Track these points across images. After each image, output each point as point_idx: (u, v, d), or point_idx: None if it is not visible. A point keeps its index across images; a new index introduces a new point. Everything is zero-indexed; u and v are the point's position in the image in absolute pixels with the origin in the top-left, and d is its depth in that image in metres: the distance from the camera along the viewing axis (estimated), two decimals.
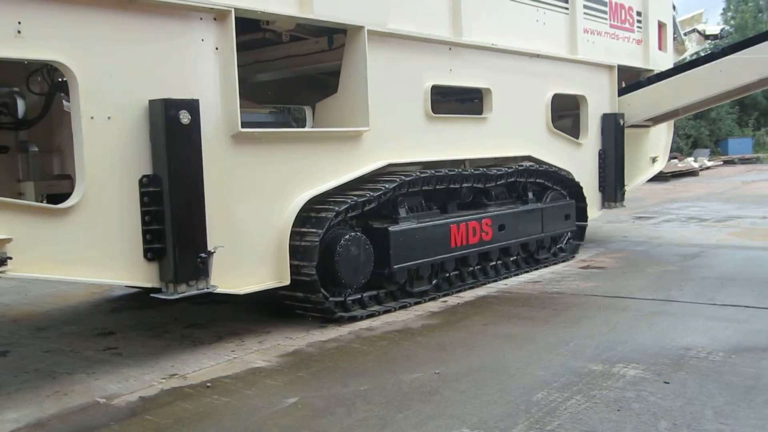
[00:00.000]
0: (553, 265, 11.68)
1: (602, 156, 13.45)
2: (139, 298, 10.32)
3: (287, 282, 7.99)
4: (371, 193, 8.60)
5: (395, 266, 8.92)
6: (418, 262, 9.25)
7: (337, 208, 8.24)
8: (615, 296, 9.57)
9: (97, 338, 8.33)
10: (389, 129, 8.97)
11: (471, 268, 10.26)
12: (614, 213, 18.07)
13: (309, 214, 8.16)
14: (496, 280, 10.51)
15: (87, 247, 6.54)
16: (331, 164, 8.43)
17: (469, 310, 8.99)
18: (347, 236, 8.39)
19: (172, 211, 6.91)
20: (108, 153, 6.60)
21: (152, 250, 6.95)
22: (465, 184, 10.02)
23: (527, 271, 11.19)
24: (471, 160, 10.41)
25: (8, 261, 6.02)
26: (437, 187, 9.54)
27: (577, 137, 12.87)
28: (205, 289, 7.08)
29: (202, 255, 7.06)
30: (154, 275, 7.00)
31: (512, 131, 11.01)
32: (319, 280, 8.16)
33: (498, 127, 10.66)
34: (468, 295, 9.87)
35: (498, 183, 10.52)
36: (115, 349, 7.82)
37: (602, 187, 13.44)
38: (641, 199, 22.59)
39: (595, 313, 8.77)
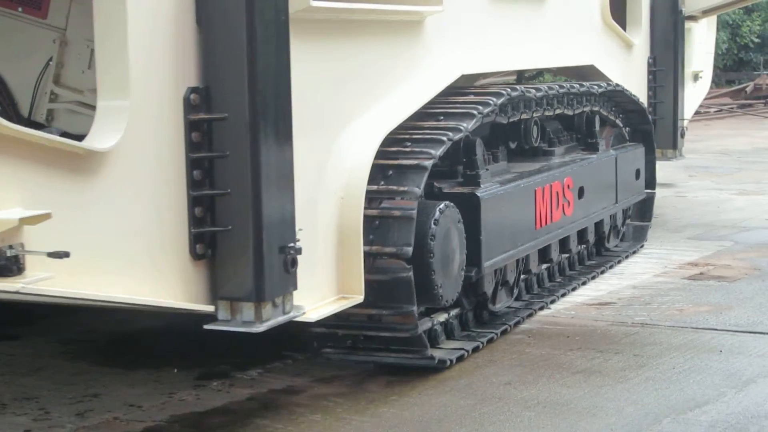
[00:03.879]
0: (619, 262, 10.10)
1: (652, 66, 11.41)
2: None
3: (360, 297, 6.35)
4: (464, 125, 7.18)
5: (486, 263, 7.28)
6: (509, 255, 7.75)
7: (432, 151, 6.71)
8: (751, 331, 7.72)
9: None
10: (456, 11, 7.59)
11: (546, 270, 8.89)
12: (671, 168, 15.66)
13: (378, 160, 6.57)
14: (553, 299, 8.76)
15: (122, 231, 5.16)
16: (384, 71, 6.93)
17: (480, 355, 7.31)
18: (441, 208, 6.74)
19: (254, 160, 5.37)
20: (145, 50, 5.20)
21: (205, 241, 5.40)
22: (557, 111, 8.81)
23: (592, 278, 9.46)
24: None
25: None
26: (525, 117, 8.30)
27: None
28: (294, 315, 5.76)
29: (293, 246, 5.60)
30: (203, 288, 5.50)
31: (569, 22, 9.73)
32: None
33: (557, 14, 9.42)
34: None
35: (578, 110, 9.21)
36: None
37: (652, 122, 11.28)
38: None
39: (711, 361, 7.02)
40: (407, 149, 6.79)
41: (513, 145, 8.44)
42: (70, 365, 7.43)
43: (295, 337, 7.07)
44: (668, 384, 6.55)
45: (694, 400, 6.25)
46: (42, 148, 4.61)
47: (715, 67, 35.36)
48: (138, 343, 8.08)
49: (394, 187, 6.55)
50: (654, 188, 11.04)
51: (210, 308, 5.48)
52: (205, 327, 5.55)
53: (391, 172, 6.62)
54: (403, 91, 7.05)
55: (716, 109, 28.80)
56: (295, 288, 5.67)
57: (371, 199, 6.46)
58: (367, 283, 6.36)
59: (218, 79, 5.36)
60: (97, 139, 4.92)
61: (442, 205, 6.74)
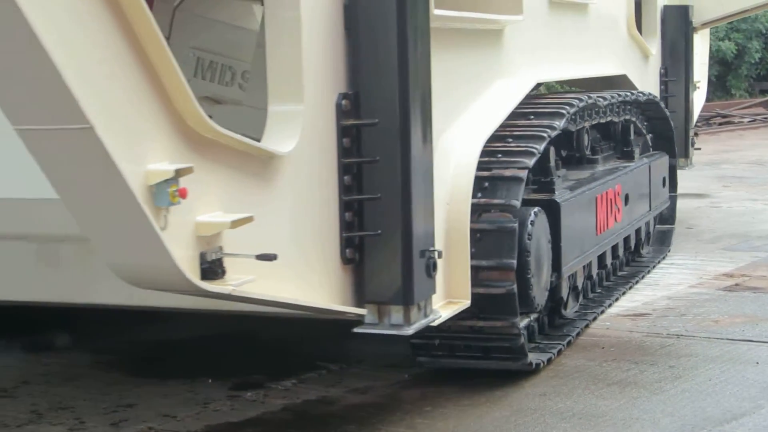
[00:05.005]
0: (649, 272, 10.14)
1: (664, 76, 11.78)
2: None
3: (467, 301, 6.42)
4: (557, 123, 7.44)
5: (565, 268, 7.54)
6: (579, 260, 8.01)
7: (526, 161, 6.90)
8: None
9: None
10: (529, 21, 7.88)
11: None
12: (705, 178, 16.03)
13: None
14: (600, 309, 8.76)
15: (293, 233, 5.32)
16: (470, 78, 7.08)
17: None
18: (532, 214, 6.95)
19: (404, 165, 5.58)
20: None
21: (354, 245, 5.61)
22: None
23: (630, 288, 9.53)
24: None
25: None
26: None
27: None
28: (432, 318, 5.92)
29: (434, 250, 5.81)
30: (349, 292, 5.67)
31: (604, 32, 10.05)
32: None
33: (596, 24, 9.71)
34: None
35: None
36: None
37: None
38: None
39: (748, 373, 7.04)
40: (511, 145, 7.04)
41: (564, 154, 8.62)
42: (104, 375, 7.54)
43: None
44: (704, 396, 6.57)
45: (731, 412, 6.26)
46: (234, 151, 4.79)
47: (748, 76, 35.31)
48: (172, 353, 8.19)
49: (495, 201, 6.68)
50: (675, 192, 11.50)
51: (363, 311, 5.66)
52: (355, 330, 5.74)
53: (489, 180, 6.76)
54: (489, 97, 7.25)
55: (750, 119, 28.65)
56: (434, 292, 5.92)
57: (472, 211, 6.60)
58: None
59: (368, 84, 5.56)
60: (273, 143, 5.12)
61: (536, 209, 7.01)
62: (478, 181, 6.66)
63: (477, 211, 6.58)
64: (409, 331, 5.66)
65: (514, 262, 6.57)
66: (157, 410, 6.73)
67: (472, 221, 6.49)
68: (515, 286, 6.58)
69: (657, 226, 11.22)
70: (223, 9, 5.63)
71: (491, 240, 6.56)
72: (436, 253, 5.81)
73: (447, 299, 6.35)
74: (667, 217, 11.50)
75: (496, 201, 6.66)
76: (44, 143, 4.00)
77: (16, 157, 4.50)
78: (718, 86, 32.93)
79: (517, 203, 6.66)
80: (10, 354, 8.03)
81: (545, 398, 6.64)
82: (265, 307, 5.22)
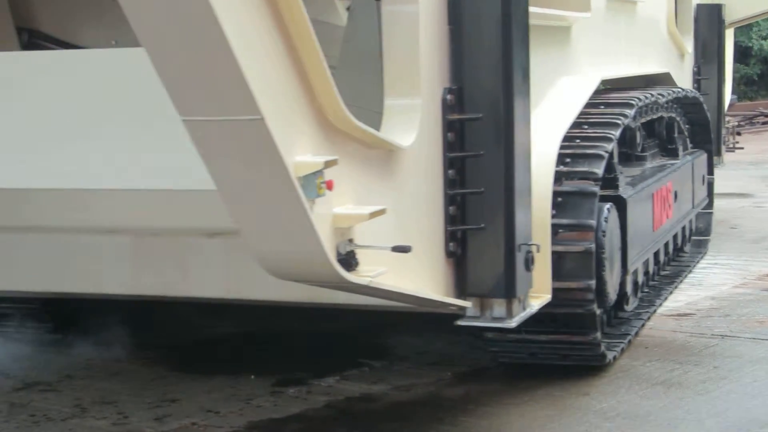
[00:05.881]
0: (690, 270, 10.19)
1: (697, 75, 11.89)
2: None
3: (548, 296, 6.45)
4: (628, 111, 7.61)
5: (630, 263, 7.64)
6: (640, 256, 8.11)
7: (605, 147, 7.01)
8: None
9: None
10: (593, 18, 8.05)
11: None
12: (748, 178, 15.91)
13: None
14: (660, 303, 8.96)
15: (408, 225, 5.41)
16: (540, 73, 7.04)
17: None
18: (606, 210, 7.02)
19: (507, 159, 5.69)
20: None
21: (457, 239, 5.72)
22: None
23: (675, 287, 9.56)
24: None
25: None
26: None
27: None
28: (530, 311, 6.02)
29: (532, 244, 5.92)
30: (450, 285, 5.78)
31: (648, 31, 10.22)
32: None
33: (642, 23, 9.88)
34: None
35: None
36: None
37: None
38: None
39: None
40: (588, 131, 7.16)
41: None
42: (147, 370, 7.65)
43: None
44: (750, 397, 6.60)
45: None
46: (363, 144, 4.93)
47: None
48: (215, 349, 8.29)
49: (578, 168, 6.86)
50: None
51: (467, 303, 5.79)
52: (457, 323, 5.85)
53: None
54: (558, 93, 7.39)
55: None
56: (531, 285, 6.04)
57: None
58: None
59: (472, 79, 5.67)
60: (393, 137, 5.24)
61: (608, 205, 7.11)
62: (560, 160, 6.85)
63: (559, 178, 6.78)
64: (512, 324, 5.79)
65: (594, 222, 6.75)
66: (200, 405, 6.83)
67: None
68: (594, 283, 6.69)
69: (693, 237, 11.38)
70: (307, 5, 5.54)
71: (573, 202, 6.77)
72: (534, 247, 5.96)
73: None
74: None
75: (578, 169, 6.85)
76: (211, 134, 4.15)
77: (158, 148, 4.81)
78: (762, 85, 32.74)
79: (599, 172, 6.84)
80: (53, 348, 8.12)
81: (588, 398, 6.70)
82: (368, 299, 5.35)
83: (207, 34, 3.80)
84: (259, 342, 8.35)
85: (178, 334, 8.60)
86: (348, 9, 7.17)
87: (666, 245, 9.58)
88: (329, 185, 4.41)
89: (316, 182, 4.33)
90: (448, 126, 5.61)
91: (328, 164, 4.38)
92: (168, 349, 8.21)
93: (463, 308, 5.84)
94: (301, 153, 4.35)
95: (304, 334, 8.39)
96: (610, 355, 7.20)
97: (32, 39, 7.45)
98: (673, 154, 10.05)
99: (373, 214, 4.74)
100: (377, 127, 5.26)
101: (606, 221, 6.99)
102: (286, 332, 8.46)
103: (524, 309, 5.96)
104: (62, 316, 8.25)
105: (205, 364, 7.71)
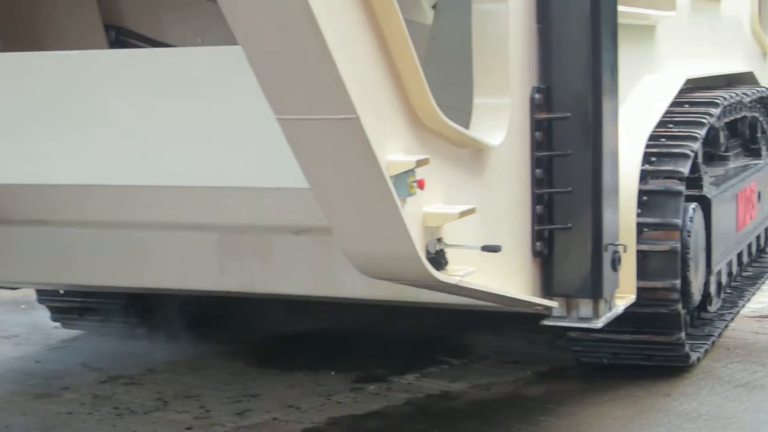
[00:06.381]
0: None
1: None
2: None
3: (632, 296, 6.39)
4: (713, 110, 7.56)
5: (714, 264, 7.61)
6: (724, 256, 8.06)
7: (691, 146, 6.98)
8: None
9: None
10: (677, 17, 8.01)
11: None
12: None
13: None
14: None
15: (497, 225, 5.44)
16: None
17: None
18: (691, 210, 7.00)
19: (595, 159, 5.70)
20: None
21: (544, 238, 5.74)
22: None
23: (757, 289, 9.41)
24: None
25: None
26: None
27: None
28: (616, 311, 6.03)
29: (618, 244, 5.92)
30: (537, 285, 5.83)
31: (732, 29, 10.18)
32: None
33: (726, 22, 9.80)
34: None
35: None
36: None
37: None
38: None
39: None
40: (673, 131, 7.10)
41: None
42: (229, 365, 7.72)
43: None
44: None
45: None
46: (452, 142, 4.95)
47: None
48: (295, 344, 8.34)
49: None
50: None
51: (553, 303, 5.80)
52: (543, 323, 5.89)
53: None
54: (642, 92, 7.30)
55: None
56: (618, 286, 6.02)
57: None
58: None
59: (560, 78, 5.68)
60: (482, 135, 5.25)
61: (693, 205, 7.06)
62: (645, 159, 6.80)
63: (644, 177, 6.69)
64: (598, 324, 5.79)
65: (680, 221, 6.69)
66: (281, 401, 6.87)
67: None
68: (679, 282, 6.62)
69: None
70: None
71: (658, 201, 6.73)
72: (621, 247, 5.95)
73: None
74: None
75: (664, 168, 6.77)
76: (305, 132, 4.18)
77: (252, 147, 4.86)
78: None
79: (685, 171, 6.77)
80: (136, 342, 8.22)
81: (670, 399, 6.64)
82: (451, 298, 5.36)
83: (305, 33, 3.83)
84: (338, 339, 8.38)
85: (259, 330, 8.63)
86: (434, 7, 7.19)
87: (749, 246, 9.47)
88: (420, 184, 4.43)
89: (407, 181, 4.35)
90: (536, 125, 5.61)
91: (420, 163, 4.41)
92: (249, 345, 8.26)
93: (549, 308, 5.84)
94: (394, 152, 4.37)
95: (384, 332, 8.43)
96: (694, 356, 7.15)
97: (119, 36, 7.53)
98: (755, 154, 9.91)
99: (463, 213, 4.76)
100: (463, 126, 5.23)
101: (691, 221, 6.95)
102: (365, 329, 8.50)
103: (610, 309, 5.95)
104: (146, 311, 8.33)
105: (285, 360, 7.74)
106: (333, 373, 7.37)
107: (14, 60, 5.86)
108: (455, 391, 7.03)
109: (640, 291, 6.46)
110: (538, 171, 5.65)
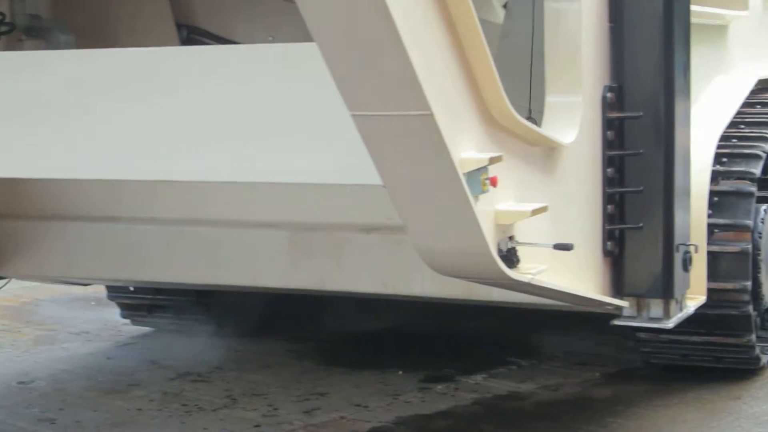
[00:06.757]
0: None
1: None
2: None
3: (703, 297, 6.39)
4: None
5: None
6: None
7: (763, 147, 6.89)
8: None
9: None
10: (751, 17, 7.93)
11: None
12: None
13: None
14: None
15: (568, 223, 5.42)
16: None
17: None
18: (762, 211, 6.88)
19: (667, 158, 5.66)
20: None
21: (615, 238, 5.71)
22: None
23: None
24: None
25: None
26: None
27: None
28: (687, 312, 5.98)
29: (690, 244, 5.89)
30: (607, 285, 5.79)
31: None
32: None
33: None
34: None
35: None
36: None
37: None
38: None
39: None
40: (744, 131, 7.02)
41: None
42: (297, 363, 7.75)
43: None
44: None
45: None
46: (525, 140, 4.94)
47: None
48: (363, 343, 8.37)
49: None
50: None
51: (624, 303, 5.78)
52: (613, 323, 5.86)
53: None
54: (713, 93, 7.25)
55: None
56: (689, 286, 5.99)
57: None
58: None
59: (632, 77, 5.66)
60: (554, 134, 5.26)
61: (765, 206, 6.92)
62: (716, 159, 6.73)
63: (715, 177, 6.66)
64: (669, 324, 5.76)
65: (751, 223, 6.66)
66: (348, 400, 6.89)
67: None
68: (750, 284, 6.57)
69: None
70: None
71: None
72: (692, 248, 5.92)
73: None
74: None
75: (735, 168, 6.71)
76: (380, 129, 4.19)
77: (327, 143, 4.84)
78: None
79: (757, 172, 6.71)
80: (205, 339, 8.27)
81: (740, 402, 6.61)
82: (521, 296, 5.38)
83: (380, 30, 3.83)
84: (406, 338, 8.39)
85: (326, 329, 8.67)
86: (505, 6, 7.18)
87: None
88: (493, 182, 4.43)
89: (480, 178, 4.35)
90: (608, 124, 5.60)
91: (493, 160, 4.40)
92: (317, 343, 8.30)
93: (619, 308, 5.81)
94: (467, 149, 4.36)
95: (451, 332, 8.44)
96: (764, 359, 7.07)
97: (191, 35, 7.58)
98: None
99: (536, 212, 4.75)
100: (535, 124, 5.25)
101: (762, 222, 6.88)
102: (432, 329, 8.51)
103: (681, 310, 5.91)
104: (215, 308, 8.37)
105: (353, 359, 7.77)
106: (400, 372, 7.38)
107: (88, 56, 5.91)
108: (523, 391, 7.02)
109: (711, 292, 6.41)
110: (609, 170, 5.63)
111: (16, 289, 9.66)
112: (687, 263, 5.89)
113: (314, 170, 5.30)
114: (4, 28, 6.80)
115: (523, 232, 4.82)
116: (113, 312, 8.92)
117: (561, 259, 5.25)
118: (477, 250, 4.49)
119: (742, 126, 7.19)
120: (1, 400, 7.01)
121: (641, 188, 5.64)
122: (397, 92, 4.07)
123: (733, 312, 6.63)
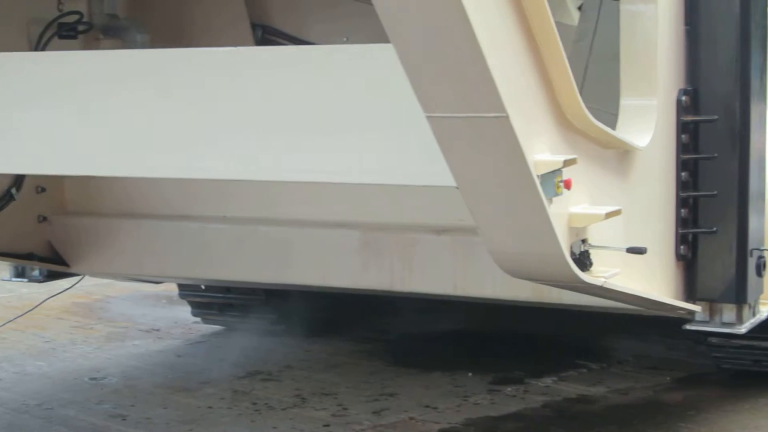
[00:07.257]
0: None
1: None
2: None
3: None
4: None
5: None
6: None
7: None
8: None
9: None
10: None
11: None
12: None
13: None
14: None
15: (641, 227, 5.36)
16: None
17: None
18: None
19: (742, 163, 5.59)
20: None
21: (688, 242, 5.65)
22: None
23: None
24: None
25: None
26: None
27: None
28: (760, 317, 5.89)
29: (765, 249, 5.83)
30: (679, 289, 5.73)
31: None
32: None
33: None
34: None
35: None
36: None
37: None
38: None
39: None
40: None
41: None
42: (366, 363, 7.79)
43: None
44: None
45: None
46: (599, 143, 4.91)
47: None
48: (433, 345, 8.37)
49: None
50: None
51: (697, 308, 5.73)
52: (685, 327, 5.80)
53: None
54: None
55: None
56: (762, 291, 5.92)
57: None
58: None
59: (708, 81, 5.63)
60: (629, 137, 5.22)
61: None
62: None
63: None
64: (742, 330, 5.70)
65: None
66: (418, 401, 6.90)
67: None
68: None
69: None
70: None
71: None
72: (766, 253, 5.86)
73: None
74: None
75: None
76: (455, 130, 4.17)
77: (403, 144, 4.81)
78: None
79: None
80: (274, 338, 8.34)
81: None
82: (593, 300, 5.34)
83: (457, 31, 3.82)
84: (475, 340, 8.39)
85: (395, 329, 8.72)
86: (579, 8, 7.15)
87: None
88: (567, 184, 4.38)
89: (554, 181, 4.31)
90: (683, 127, 5.56)
91: (568, 163, 4.36)
92: (386, 343, 8.35)
93: (691, 312, 5.77)
94: (541, 151, 4.33)
95: (520, 334, 8.45)
96: None
97: (265, 35, 7.65)
98: None
99: (609, 215, 4.71)
100: (609, 127, 5.17)
101: None
102: (501, 331, 8.52)
103: (754, 315, 5.85)
104: (285, 307, 8.42)
105: (423, 360, 7.77)
106: (470, 374, 7.39)
107: (164, 56, 5.96)
108: (593, 395, 7.01)
109: None
110: (683, 174, 5.58)
111: (89, 286, 9.86)
112: (761, 268, 5.84)
113: (387, 171, 5.30)
114: (82, 28, 6.93)
115: (596, 235, 4.78)
116: (184, 310, 9.06)
117: (633, 263, 5.21)
118: (550, 252, 4.46)
119: None
120: (73, 396, 7.07)
121: (715, 192, 5.60)
122: (472, 94, 4.04)
123: None
